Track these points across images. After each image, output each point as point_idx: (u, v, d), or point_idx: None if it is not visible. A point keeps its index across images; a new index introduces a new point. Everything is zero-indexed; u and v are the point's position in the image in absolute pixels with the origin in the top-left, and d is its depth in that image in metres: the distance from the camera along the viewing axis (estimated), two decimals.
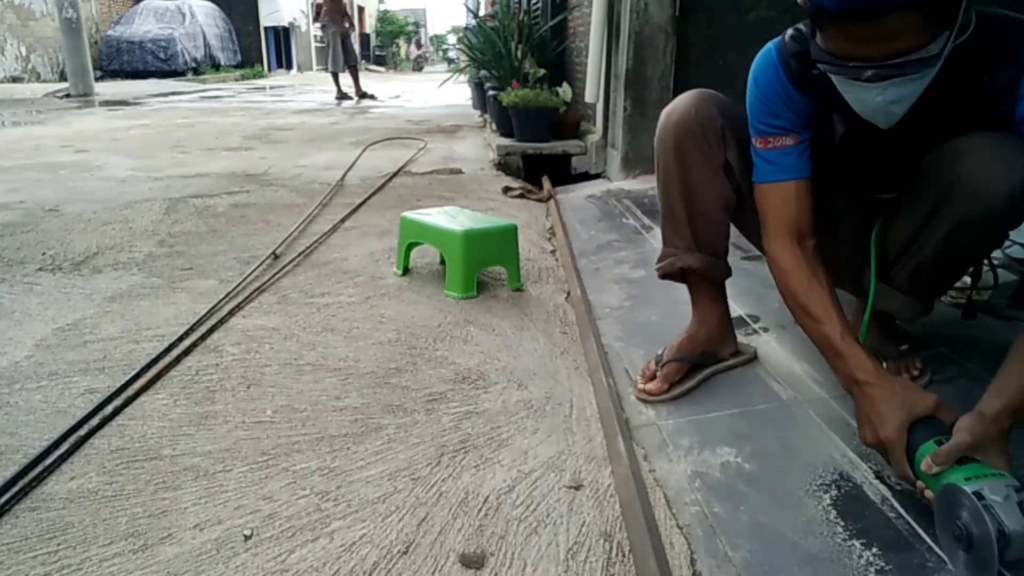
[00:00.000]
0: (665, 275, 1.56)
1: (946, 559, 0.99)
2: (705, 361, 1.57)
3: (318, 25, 11.13)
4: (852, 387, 1.17)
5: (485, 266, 2.30)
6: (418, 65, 33.35)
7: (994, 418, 1.00)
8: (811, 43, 1.10)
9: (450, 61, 30.74)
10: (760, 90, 1.29)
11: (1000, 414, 1.01)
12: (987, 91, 1.11)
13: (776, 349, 1.66)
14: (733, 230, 1.54)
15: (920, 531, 1.05)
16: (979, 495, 0.91)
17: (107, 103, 9.51)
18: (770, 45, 1.29)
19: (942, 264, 1.26)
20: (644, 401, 1.52)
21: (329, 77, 10.94)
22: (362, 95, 10.55)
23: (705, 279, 1.52)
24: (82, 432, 1.40)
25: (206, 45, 17.12)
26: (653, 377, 1.53)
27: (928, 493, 1.03)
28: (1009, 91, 1.08)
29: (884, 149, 1.25)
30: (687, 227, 1.48)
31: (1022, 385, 1.02)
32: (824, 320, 1.21)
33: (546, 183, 3.98)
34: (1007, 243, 2.11)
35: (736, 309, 1.86)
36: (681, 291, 1.59)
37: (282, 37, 22.29)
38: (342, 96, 10.32)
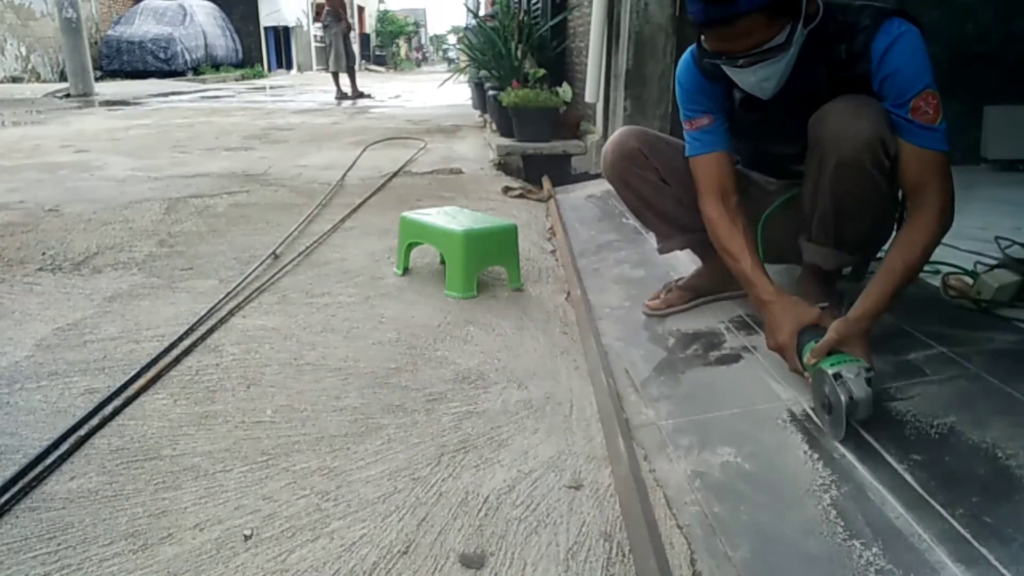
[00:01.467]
0: (665, 252, 1.96)
1: (818, 422, 1.33)
2: (706, 293, 1.94)
3: (319, 25, 11.12)
4: (760, 306, 1.51)
5: (485, 266, 2.30)
6: (417, 62, 41.38)
7: (855, 321, 1.35)
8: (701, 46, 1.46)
9: (450, 61, 30.82)
10: (682, 86, 1.66)
11: (860, 318, 1.35)
12: (846, 57, 1.41)
13: None
14: None
15: (920, 531, 1.05)
16: (837, 375, 1.24)
17: (107, 103, 9.51)
18: (687, 52, 1.65)
19: (839, 210, 1.53)
20: (646, 315, 1.93)
21: (329, 77, 10.95)
22: (358, 95, 10.55)
23: (704, 246, 1.79)
24: (82, 432, 1.40)
25: (206, 45, 17.10)
26: (658, 298, 1.94)
27: (810, 380, 1.35)
28: (863, 54, 1.39)
29: (778, 111, 1.55)
30: (661, 223, 1.89)
31: (877, 299, 1.37)
32: (740, 258, 1.55)
33: (546, 183, 3.98)
34: (1007, 243, 2.12)
35: (735, 309, 1.87)
36: None
37: (282, 37, 22.28)
38: (342, 96, 10.32)
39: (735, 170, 1.66)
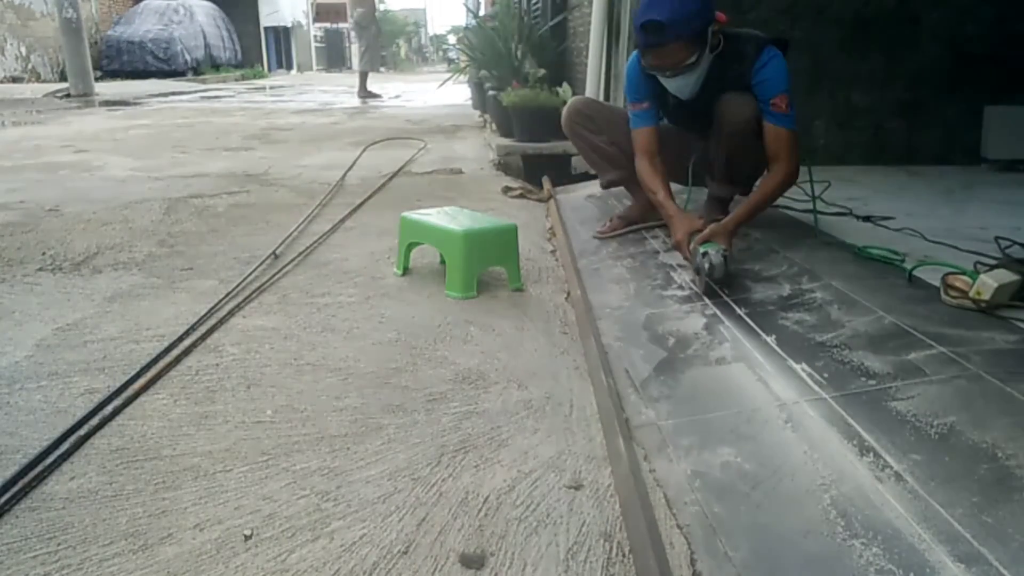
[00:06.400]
0: (606, 187, 2.87)
1: (697, 288, 2.02)
2: (637, 221, 2.73)
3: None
4: (667, 220, 2.29)
5: (485, 266, 2.30)
6: (423, 57, 46.04)
7: (723, 224, 2.12)
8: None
9: (450, 61, 30.87)
10: (629, 78, 2.41)
11: (727, 224, 2.13)
12: (738, 74, 2.21)
13: (776, 350, 1.66)
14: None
15: (920, 531, 1.05)
16: (704, 252, 1.95)
17: (107, 103, 9.51)
18: (633, 55, 2.36)
19: (731, 161, 2.41)
20: (596, 239, 2.72)
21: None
22: (369, 94, 10.61)
23: (630, 180, 2.64)
24: (82, 432, 1.40)
25: (206, 45, 17.10)
26: (606, 226, 2.77)
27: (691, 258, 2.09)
28: (747, 71, 2.19)
29: (694, 106, 2.33)
30: (600, 160, 2.78)
31: (739, 215, 2.18)
32: (657, 191, 2.34)
33: (546, 183, 3.97)
34: (1007, 243, 2.12)
35: (736, 309, 1.87)
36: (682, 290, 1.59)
37: (282, 37, 22.29)
38: (367, 95, 10.34)
39: (660, 139, 2.42)
